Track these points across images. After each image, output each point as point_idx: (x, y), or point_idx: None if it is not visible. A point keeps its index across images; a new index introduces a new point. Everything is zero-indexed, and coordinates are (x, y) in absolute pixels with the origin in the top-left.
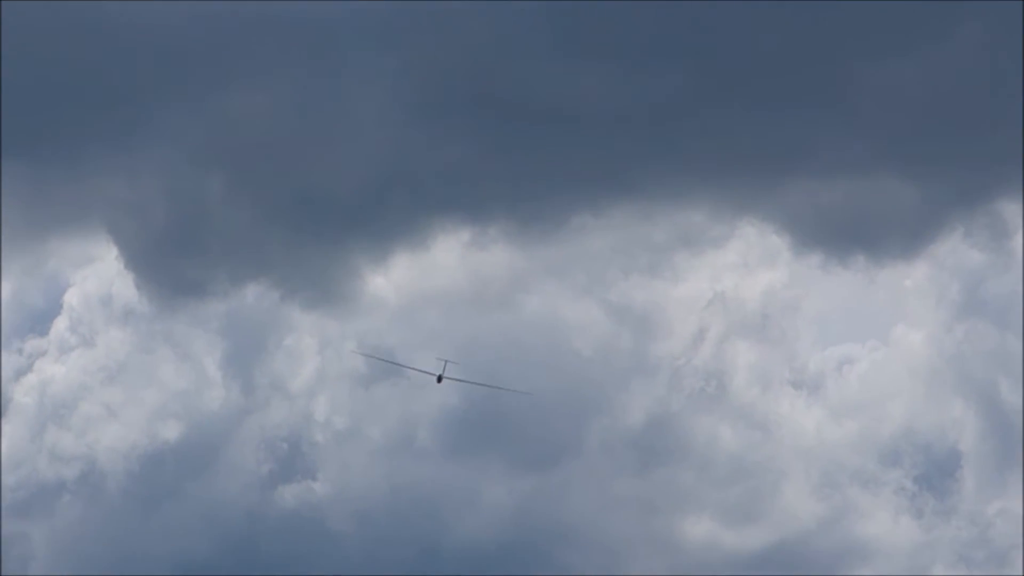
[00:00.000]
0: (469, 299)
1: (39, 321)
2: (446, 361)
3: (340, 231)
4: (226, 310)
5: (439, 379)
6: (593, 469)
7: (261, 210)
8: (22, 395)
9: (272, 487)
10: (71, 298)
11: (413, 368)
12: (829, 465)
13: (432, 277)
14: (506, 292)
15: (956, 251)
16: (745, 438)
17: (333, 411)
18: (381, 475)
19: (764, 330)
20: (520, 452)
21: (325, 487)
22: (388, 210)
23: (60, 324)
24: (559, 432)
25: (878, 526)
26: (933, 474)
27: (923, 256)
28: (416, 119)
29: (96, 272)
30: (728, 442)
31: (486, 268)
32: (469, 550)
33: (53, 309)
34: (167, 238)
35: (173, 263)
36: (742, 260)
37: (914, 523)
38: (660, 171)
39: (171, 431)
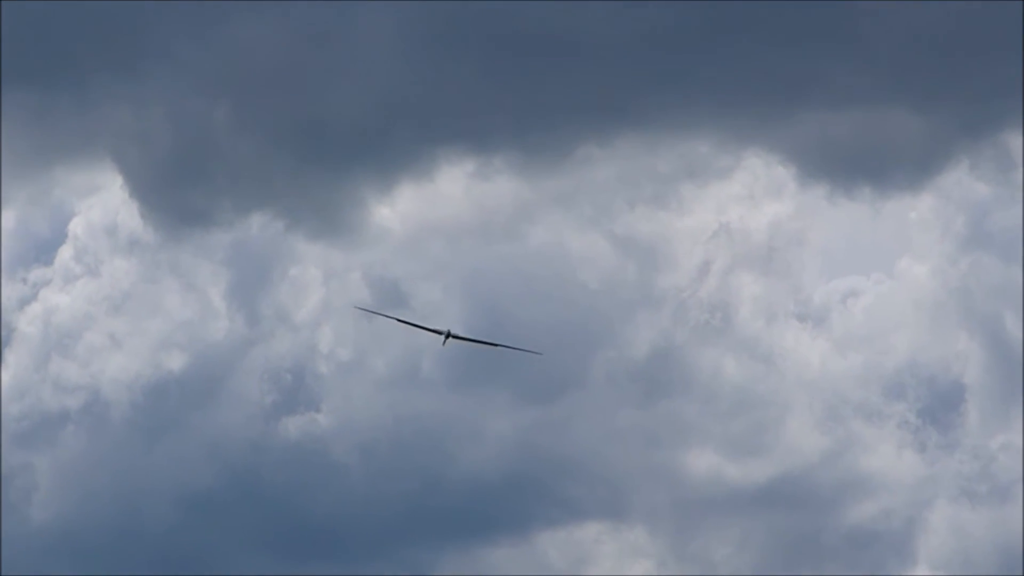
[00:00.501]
0: (474, 230)
1: (44, 251)
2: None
3: (345, 161)
4: (231, 240)
5: (446, 337)
6: (597, 402)
7: (266, 140)
8: (26, 325)
9: (276, 418)
10: (76, 227)
11: (418, 326)
12: (833, 398)
13: (437, 208)
14: (511, 223)
15: (961, 183)
16: (749, 371)
17: (337, 342)
18: (385, 407)
19: (769, 262)
20: (524, 384)
21: (329, 419)
22: (393, 140)
23: (65, 253)
24: (563, 364)
25: (881, 460)
26: (936, 408)
27: (928, 188)
28: (421, 50)
29: (101, 201)
30: (732, 375)
31: (491, 199)
32: (472, 482)
33: (58, 238)
34: (172, 168)
35: (178, 193)
36: (748, 192)
37: (917, 457)
38: (665, 101)
39: (175, 362)
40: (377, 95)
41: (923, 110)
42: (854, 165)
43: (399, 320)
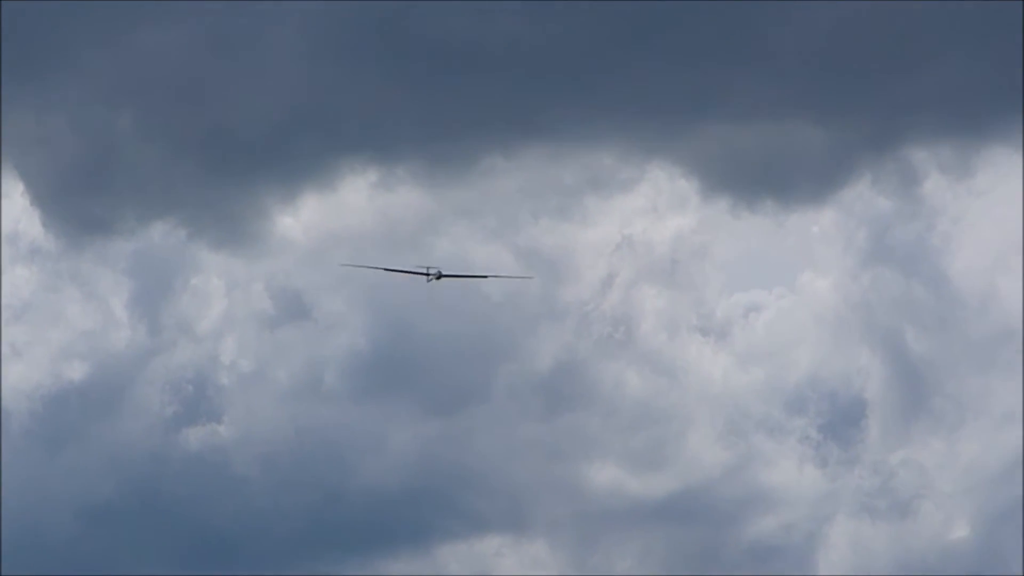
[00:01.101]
0: (378, 240)
1: None
2: (427, 268)
3: (248, 170)
4: (133, 249)
5: (438, 276)
6: (499, 414)
7: (169, 148)
8: None
9: (177, 429)
10: None
11: (405, 271)
12: (735, 412)
13: (341, 218)
14: (415, 234)
15: (863, 197)
16: (651, 384)
17: (240, 353)
18: (286, 418)
19: (672, 275)
20: (427, 396)
21: (230, 430)
22: (296, 149)
23: None
24: (466, 377)
25: (782, 474)
26: (838, 423)
27: (831, 202)
28: (326, 58)
29: (2, 209)
30: (634, 388)
31: (395, 209)
32: (374, 495)
33: None
34: (74, 175)
35: (80, 201)
36: (651, 204)
37: (818, 472)
38: (571, 113)
39: (76, 371)
40: (280, 104)
41: (826, 124)
42: (757, 178)
43: (385, 269)
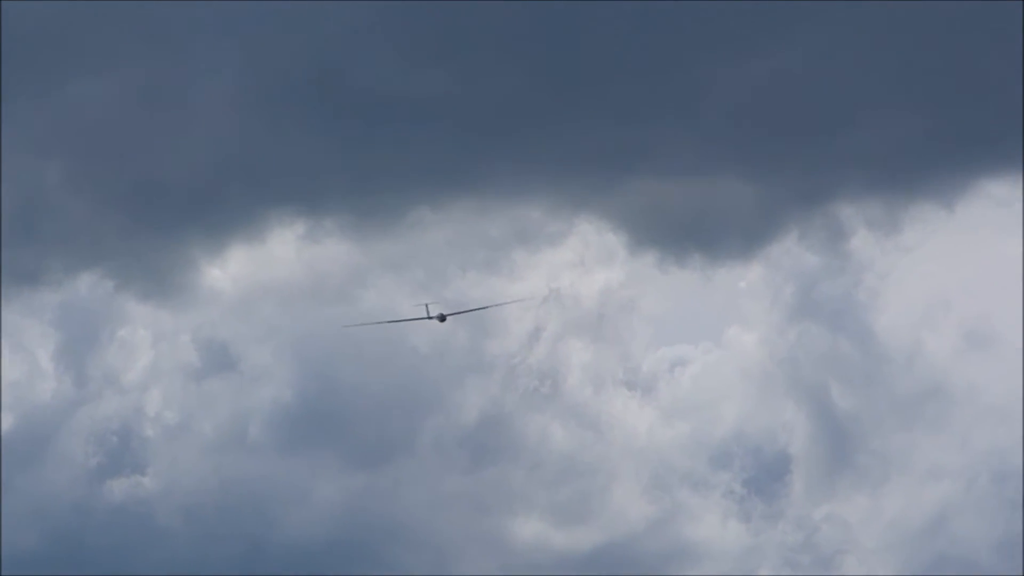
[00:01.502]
0: (306, 292)
1: None
2: (426, 304)
3: (176, 222)
4: (60, 300)
5: (441, 319)
6: (425, 467)
7: (97, 199)
8: None
9: (101, 481)
10: None
11: (409, 319)
12: (660, 466)
13: (269, 270)
14: (343, 286)
15: (791, 253)
16: (577, 438)
17: (165, 405)
18: (211, 470)
19: (599, 329)
20: (352, 449)
21: (154, 482)
22: (225, 201)
23: None
24: (392, 429)
25: (707, 529)
26: (762, 477)
27: (759, 257)
28: (255, 110)
29: None
30: (560, 442)
31: (323, 262)
32: (298, 548)
33: None
34: (1, 226)
35: (6, 252)
36: (579, 258)
37: (742, 526)
38: (498, 167)
39: (1, 422)
40: (209, 156)
41: (754, 180)
42: (685, 233)
43: (389, 322)
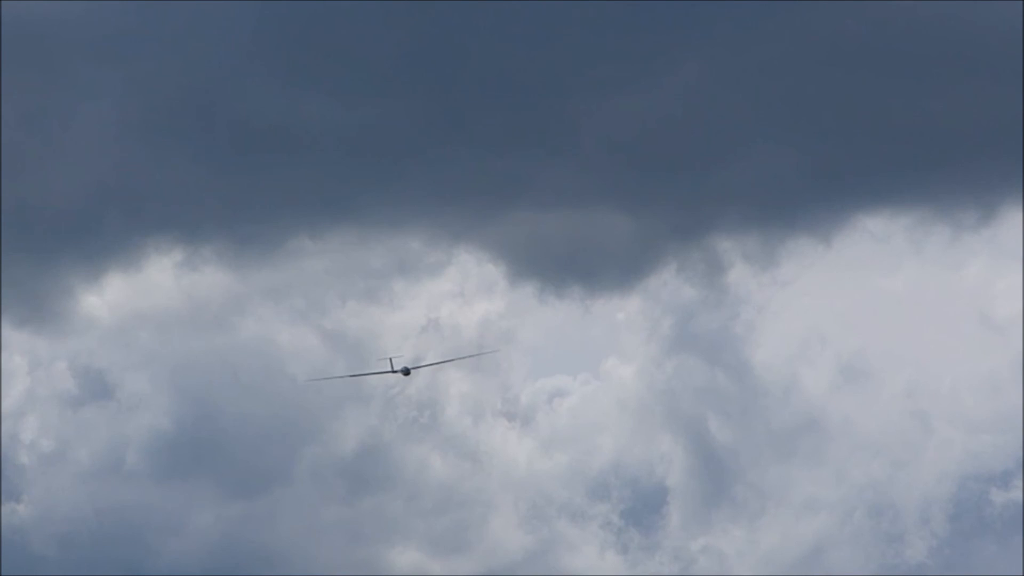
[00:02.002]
0: (184, 320)
1: None
2: (391, 358)
3: (53, 248)
4: None
5: (406, 372)
6: (302, 497)
7: None
8: None
9: None
10: None
11: (372, 372)
12: (538, 497)
13: (146, 297)
14: (221, 314)
15: (668, 285)
16: (455, 468)
17: (41, 432)
18: (87, 498)
19: (478, 360)
20: (230, 478)
21: (29, 509)
22: (102, 228)
23: None
24: (270, 458)
25: (584, 560)
26: (640, 509)
27: (637, 289)
28: (133, 136)
29: None
30: (438, 472)
31: (201, 289)
32: None
33: None
34: None
35: None
36: (459, 288)
37: (619, 558)
38: (378, 197)
39: None
40: (87, 182)
41: (633, 212)
42: (564, 265)
43: (352, 376)
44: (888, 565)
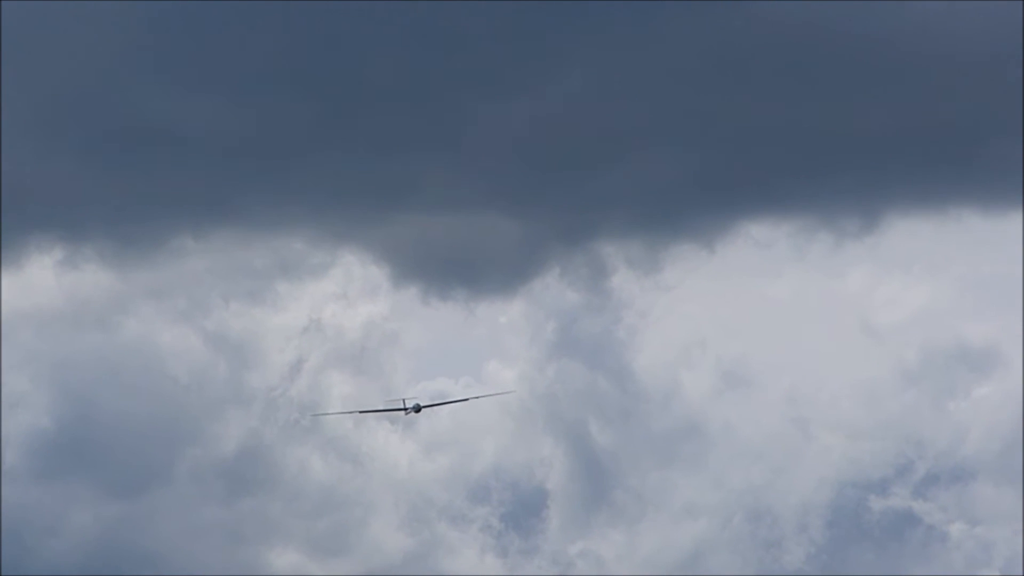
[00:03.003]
0: (64, 319)
1: None
2: (403, 399)
3: None
4: None
5: (417, 409)
6: (182, 497)
7: None
8: None
9: None
10: None
11: (384, 410)
12: (418, 500)
13: (27, 296)
14: (102, 313)
15: (552, 289)
16: (336, 470)
17: None
18: None
19: (361, 362)
20: (109, 477)
21: None
22: None
23: None
24: (150, 459)
25: (464, 563)
26: (520, 512)
27: (521, 293)
28: (15, 135)
29: None
30: (319, 473)
31: (82, 288)
32: None
33: None
34: None
35: None
36: (342, 290)
37: (498, 561)
38: (262, 197)
39: None
40: None
41: (518, 216)
42: (448, 268)
43: (360, 412)
44: (766, 570)
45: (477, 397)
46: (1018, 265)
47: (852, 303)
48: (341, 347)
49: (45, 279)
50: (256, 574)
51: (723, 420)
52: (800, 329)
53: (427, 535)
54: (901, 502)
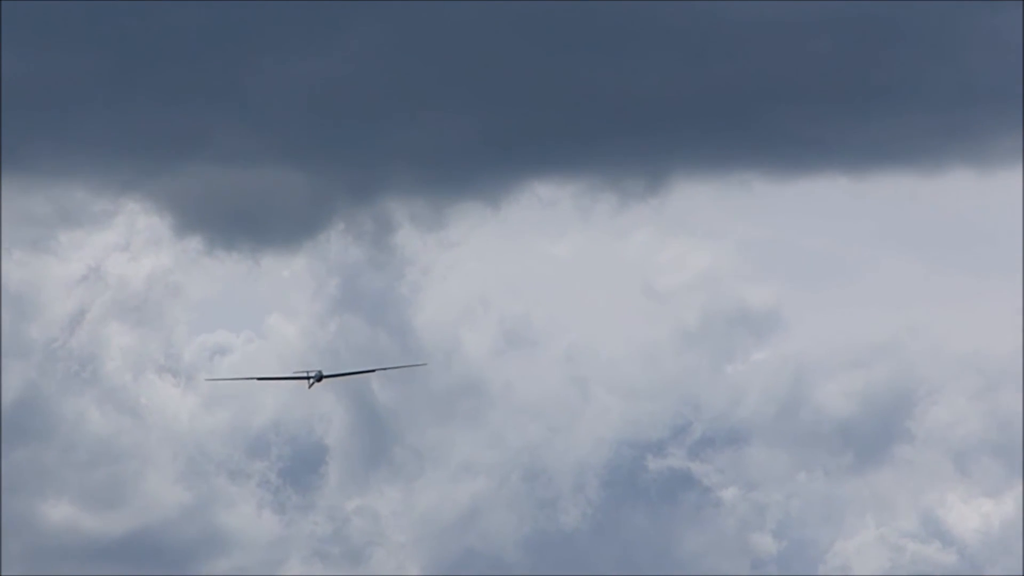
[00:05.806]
0: None
1: None
2: (307, 371)
3: None
4: None
5: (319, 378)
6: None
7: None
8: None
9: None
10: None
11: (280, 378)
12: (197, 454)
13: None
14: None
15: (336, 244)
16: (113, 422)
17: None
18: None
19: (142, 313)
20: None
21: None
22: None
23: None
24: None
25: (240, 518)
26: (298, 468)
27: (305, 248)
28: None
29: None
30: (96, 425)
31: None
32: None
33: None
34: None
35: None
36: (125, 241)
37: (275, 517)
38: (43, 146)
39: None
40: None
41: (304, 170)
42: (233, 220)
43: (258, 379)
44: (541, 530)
45: (384, 368)
46: (799, 230)
47: (635, 264)
48: (123, 298)
49: None
50: (29, 526)
51: (504, 379)
52: (583, 289)
53: (204, 489)
54: (678, 462)
